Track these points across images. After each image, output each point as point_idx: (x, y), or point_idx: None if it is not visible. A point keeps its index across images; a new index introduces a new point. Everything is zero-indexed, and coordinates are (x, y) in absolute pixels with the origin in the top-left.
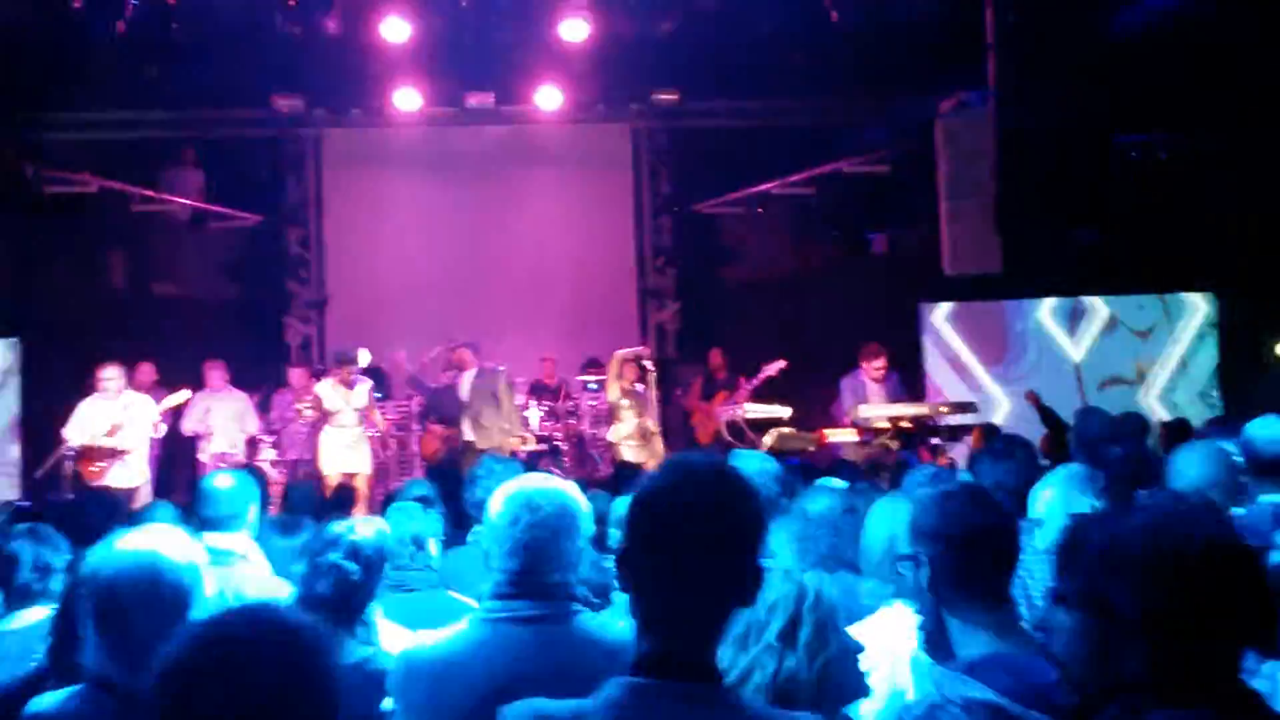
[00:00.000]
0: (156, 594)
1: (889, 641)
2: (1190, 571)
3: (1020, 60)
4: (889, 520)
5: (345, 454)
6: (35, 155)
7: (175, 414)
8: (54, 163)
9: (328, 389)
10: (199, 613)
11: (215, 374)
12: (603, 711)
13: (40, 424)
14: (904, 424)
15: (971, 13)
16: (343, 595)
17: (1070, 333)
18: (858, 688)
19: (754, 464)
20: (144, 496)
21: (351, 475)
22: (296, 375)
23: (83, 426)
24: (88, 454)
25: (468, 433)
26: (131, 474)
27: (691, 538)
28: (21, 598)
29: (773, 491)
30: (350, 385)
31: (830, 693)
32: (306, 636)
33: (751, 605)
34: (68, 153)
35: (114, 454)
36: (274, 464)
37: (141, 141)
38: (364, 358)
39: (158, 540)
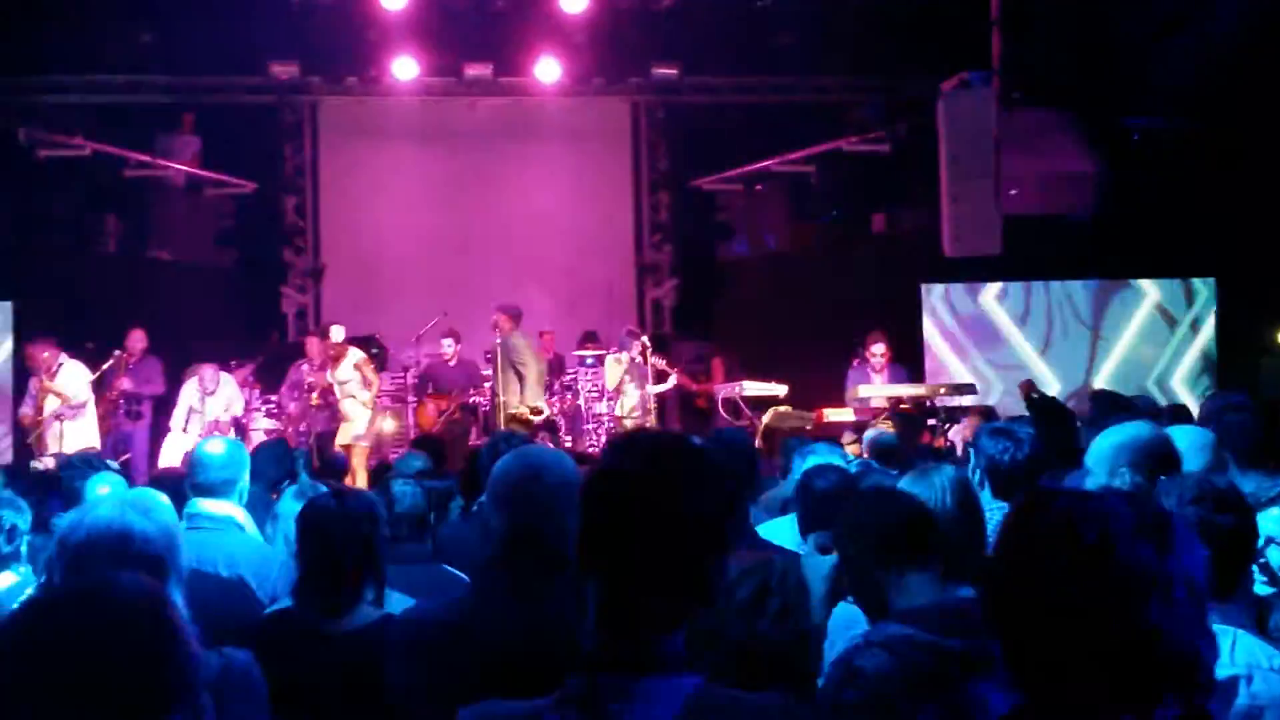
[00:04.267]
0: (126, 561)
1: None
2: None
3: (1024, 39)
4: None
5: (344, 426)
6: (29, 119)
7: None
8: (48, 126)
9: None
10: (176, 580)
11: (208, 370)
12: (559, 711)
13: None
14: (902, 405)
15: None
16: (339, 562)
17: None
18: (817, 668)
19: (729, 439)
20: None
21: (347, 446)
22: (313, 344)
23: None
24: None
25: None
26: (75, 440)
27: (645, 522)
28: None
29: (741, 469)
30: (337, 360)
31: (798, 666)
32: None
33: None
34: (62, 116)
35: (38, 424)
36: (269, 434)
37: (137, 106)
38: (337, 333)
39: (131, 506)
